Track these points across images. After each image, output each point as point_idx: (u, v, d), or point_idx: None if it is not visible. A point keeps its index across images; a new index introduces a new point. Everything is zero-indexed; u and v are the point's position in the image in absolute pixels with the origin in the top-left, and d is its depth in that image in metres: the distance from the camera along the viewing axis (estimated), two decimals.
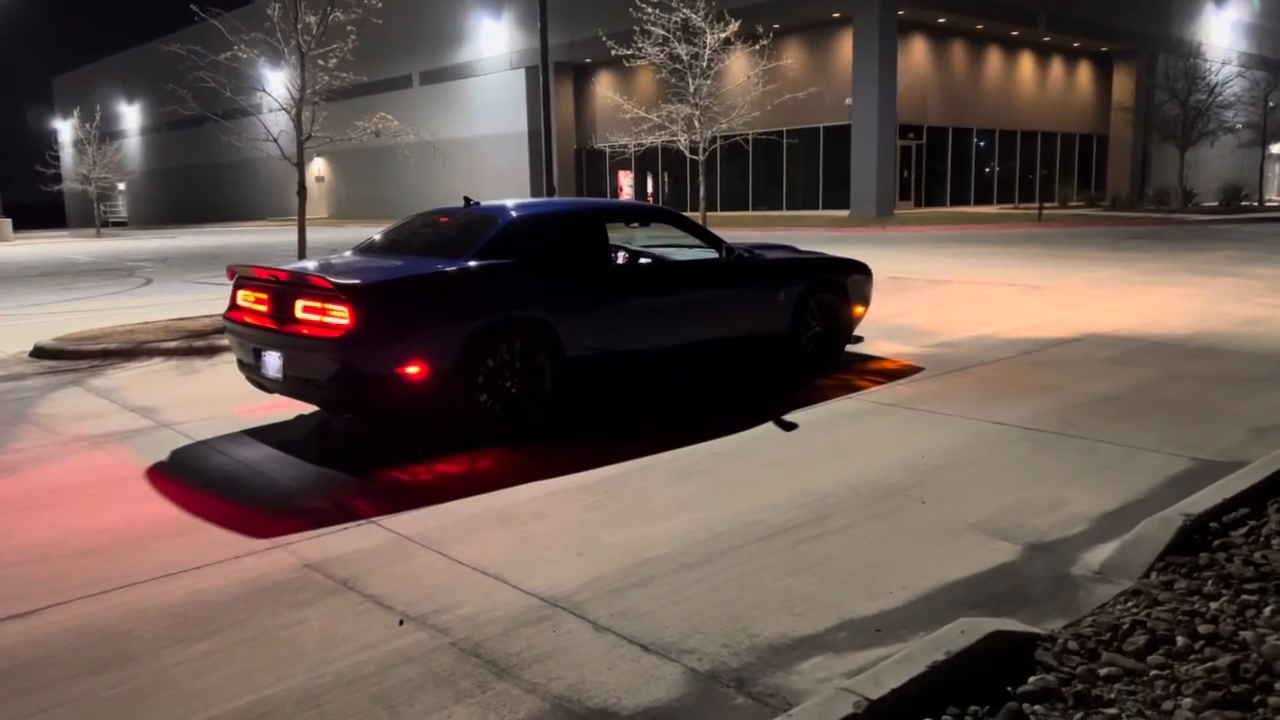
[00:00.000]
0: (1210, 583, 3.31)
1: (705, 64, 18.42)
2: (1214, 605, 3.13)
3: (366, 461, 5.24)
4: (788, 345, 7.24)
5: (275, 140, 10.74)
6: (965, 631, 2.84)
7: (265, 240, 30.20)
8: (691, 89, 18.49)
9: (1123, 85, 38.21)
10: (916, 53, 32.55)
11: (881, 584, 3.52)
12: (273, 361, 5.41)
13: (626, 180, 38.39)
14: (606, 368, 6.02)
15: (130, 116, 64.73)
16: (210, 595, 3.57)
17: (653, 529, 4.14)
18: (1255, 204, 34.14)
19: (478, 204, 6.57)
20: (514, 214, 6.08)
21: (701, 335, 6.62)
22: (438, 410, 5.24)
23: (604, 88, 33.88)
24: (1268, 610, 3.08)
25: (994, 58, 35.33)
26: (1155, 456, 5.00)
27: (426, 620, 3.31)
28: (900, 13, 29.77)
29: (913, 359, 7.82)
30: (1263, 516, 3.84)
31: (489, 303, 5.40)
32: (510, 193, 34.25)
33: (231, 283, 5.96)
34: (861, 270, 7.92)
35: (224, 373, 7.55)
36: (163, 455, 5.46)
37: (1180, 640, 2.90)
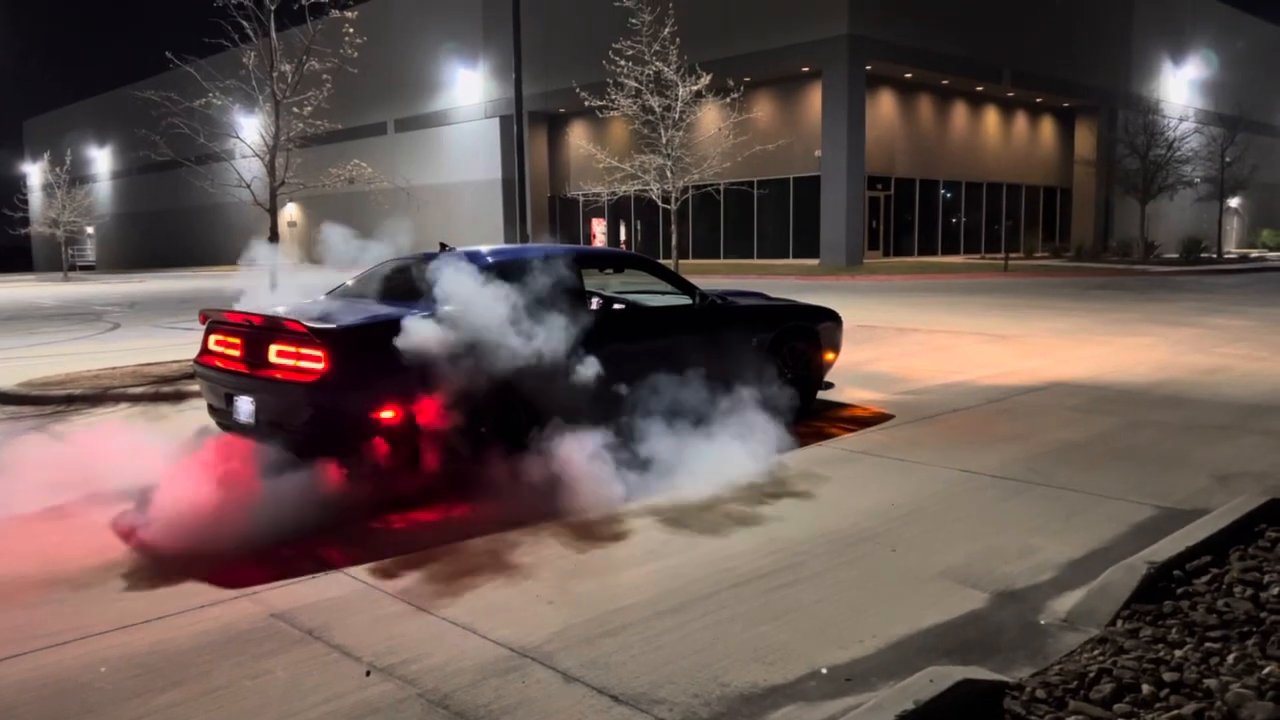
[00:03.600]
0: (1175, 630, 3.34)
1: (677, 116, 18.69)
2: (1178, 653, 3.17)
3: (336, 509, 5.19)
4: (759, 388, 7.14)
5: (248, 186, 10.75)
6: (934, 680, 2.85)
7: (236, 285, 30.03)
8: (664, 140, 18.73)
9: (1085, 139, 39.13)
10: (884, 106, 33.22)
11: (852, 632, 3.53)
12: (245, 406, 5.36)
13: (600, 228, 38.66)
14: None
15: (101, 160, 64.47)
16: (174, 645, 3.51)
17: (624, 577, 4.12)
18: (1214, 256, 34.92)
19: (452, 249, 6.51)
20: (489, 259, 6.05)
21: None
22: (408, 456, 5.17)
23: (578, 137, 34.23)
24: (1231, 658, 3.12)
25: (960, 112, 36.12)
26: (1120, 504, 5.06)
27: (394, 671, 3.27)
28: (868, 67, 30.42)
29: (883, 406, 7.89)
30: (1225, 564, 3.89)
31: None
32: (484, 239, 34.36)
33: (203, 327, 5.91)
34: (832, 317, 7.99)
35: (192, 419, 7.48)
36: (127, 503, 5.38)
37: (1146, 688, 2.93)
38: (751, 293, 8.30)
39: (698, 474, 5.53)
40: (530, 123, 37.12)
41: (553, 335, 5.68)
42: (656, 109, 18.61)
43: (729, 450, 5.77)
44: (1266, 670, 3.00)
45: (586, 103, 20.70)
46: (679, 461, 5.58)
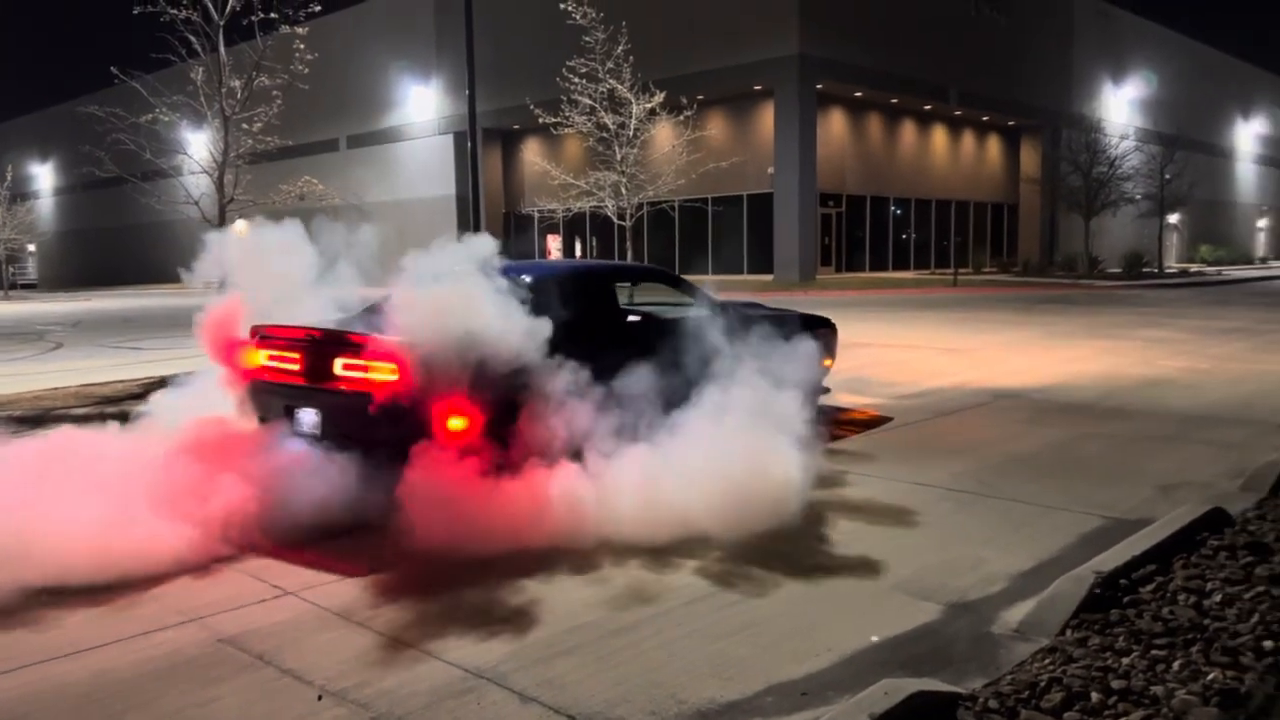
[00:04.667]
0: (1122, 639, 3.40)
1: (631, 133, 18.77)
2: (1126, 661, 3.22)
3: (288, 533, 5.10)
4: None
5: (196, 203, 10.59)
6: (889, 693, 2.87)
7: (184, 304, 29.52)
8: (618, 157, 18.79)
9: (1030, 157, 39.96)
10: (835, 125, 33.65)
11: (808, 646, 3.54)
12: (308, 418, 5.41)
13: (555, 244, 38.62)
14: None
15: (43, 177, 63.09)
16: (117, 674, 3.42)
17: (578, 594, 4.10)
18: (1155, 270, 35.80)
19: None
20: (535, 275, 6.21)
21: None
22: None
23: (532, 154, 34.24)
24: (1176, 665, 3.18)
25: (909, 130, 36.70)
26: (1068, 515, 5.15)
27: (347, 695, 3.22)
28: (819, 86, 30.81)
29: (833, 422, 7.95)
30: (1169, 573, 3.98)
31: None
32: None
33: (243, 342, 5.84)
34: (828, 325, 8.28)
35: (141, 440, 7.31)
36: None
37: (1095, 696, 2.98)
38: (751, 303, 8.49)
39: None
40: (484, 139, 37.04)
41: (606, 345, 5.81)
42: (611, 126, 18.67)
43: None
44: (1210, 676, 3.06)
45: (541, 119, 20.70)
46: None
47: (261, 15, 10.53)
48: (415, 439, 4.96)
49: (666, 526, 4.79)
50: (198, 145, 11.77)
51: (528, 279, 6.08)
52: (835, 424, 7.81)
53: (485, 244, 5.58)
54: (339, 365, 5.29)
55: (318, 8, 11.09)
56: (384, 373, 5.06)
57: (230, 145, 10.39)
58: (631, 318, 6.81)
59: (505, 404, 5.15)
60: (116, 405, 8.81)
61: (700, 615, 3.87)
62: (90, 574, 4.26)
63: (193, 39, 10.19)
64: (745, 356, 6.72)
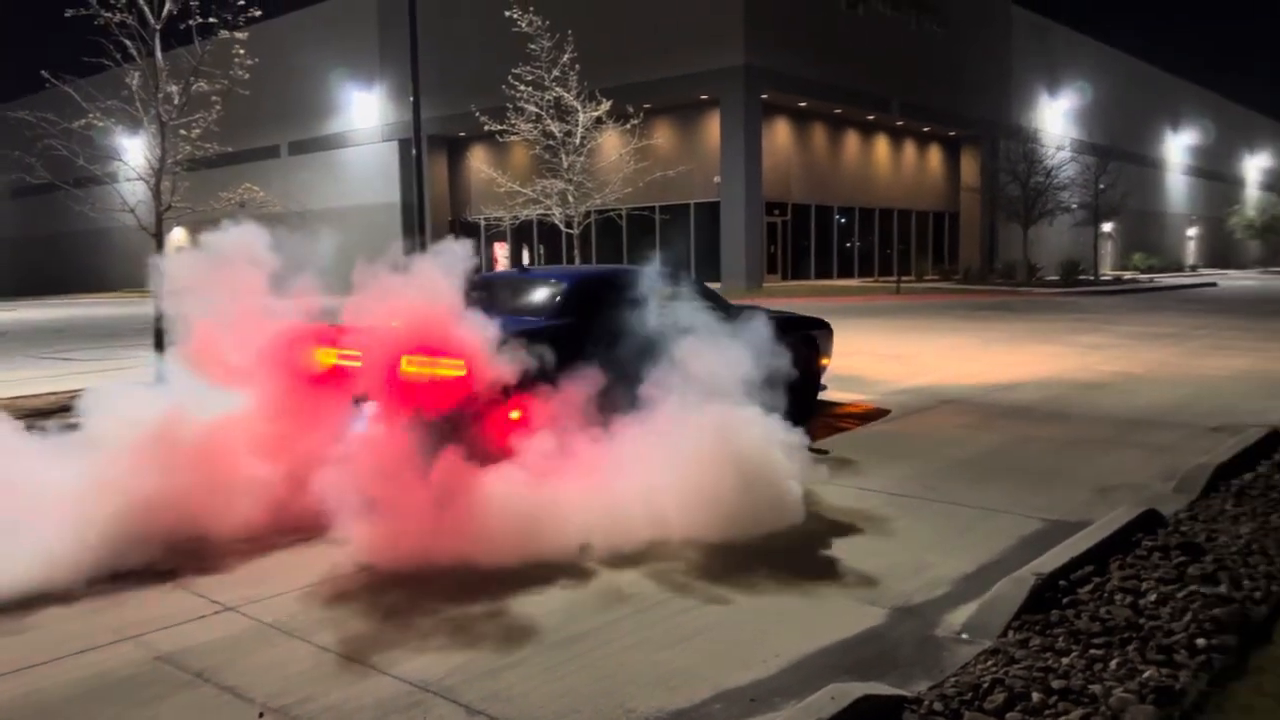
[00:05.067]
0: (1062, 639, 3.47)
1: (578, 141, 18.75)
2: (1065, 661, 3.29)
3: (228, 547, 4.99)
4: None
5: (132, 210, 10.33)
6: (835, 697, 2.89)
7: (118, 313, 28.81)
8: (565, 165, 18.76)
9: (970, 167, 40.73)
10: (780, 134, 33.99)
11: (756, 653, 3.56)
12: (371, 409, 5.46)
13: (502, 252, 38.43)
14: None
15: None
16: (45, 696, 3.31)
17: (530, 603, 4.07)
18: (1091, 277, 36.69)
19: (529, 270, 7.02)
20: (576, 279, 6.59)
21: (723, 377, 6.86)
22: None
23: (478, 161, 34.02)
24: (1114, 663, 3.25)
25: (852, 140, 37.19)
26: (1009, 518, 5.24)
27: (289, 711, 3.16)
28: (764, 96, 31.11)
29: None
30: (1106, 573, 4.07)
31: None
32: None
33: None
34: (825, 326, 8.87)
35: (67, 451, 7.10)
36: None
37: (1036, 696, 3.03)
38: (751, 306, 8.64)
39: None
40: (429, 146, 36.76)
41: (651, 342, 6.03)
42: (557, 134, 18.64)
43: None
44: (1146, 674, 3.13)
45: (486, 127, 20.59)
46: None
47: (199, 19, 10.32)
48: (479, 430, 5.22)
49: (636, 532, 4.80)
50: (134, 151, 11.48)
51: (568, 284, 6.61)
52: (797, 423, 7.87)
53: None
54: (404, 361, 5.45)
55: (258, 12, 10.91)
56: (451, 369, 5.33)
57: (167, 151, 10.15)
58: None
59: (564, 396, 5.39)
60: (47, 418, 8.55)
61: (650, 624, 3.86)
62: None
63: (128, 43, 9.94)
64: (762, 355, 6.85)
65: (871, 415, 8.55)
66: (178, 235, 46.21)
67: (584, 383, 5.44)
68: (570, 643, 3.68)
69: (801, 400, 7.95)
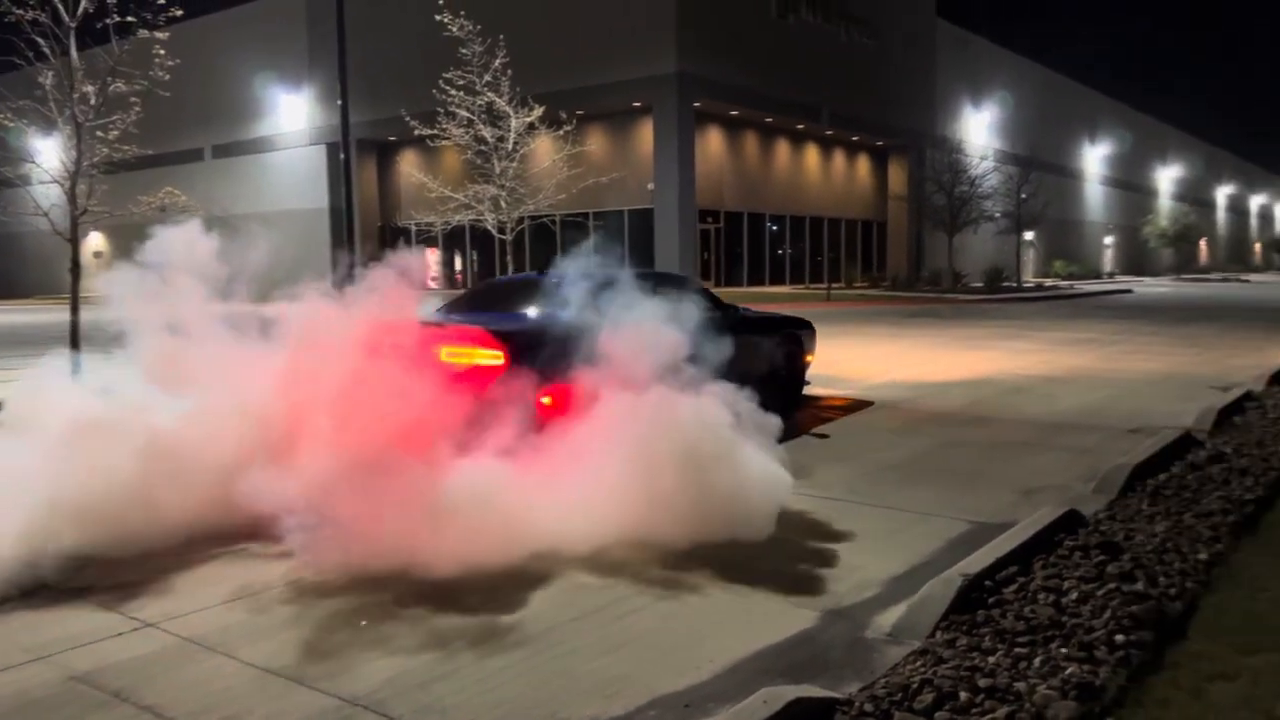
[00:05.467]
0: (988, 638, 3.54)
1: (511, 147, 18.67)
2: (991, 660, 3.36)
3: (147, 559, 4.83)
4: (767, 383, 8.17)
5: (46, 214, 9.97)
6: (768, 701, 2.91)
7: (31, 320, 27.77)
8: (497, 170, 18.65)
9: (897, 176, 41.55)
10: (713, 142, 34.26)
11: (691, 658, 3.56)
12: None
13: (434, 258, 38.03)
14: None
15: None
16: None
17: (465, 612, 4.02)
18: (1014, 284, 37.69)
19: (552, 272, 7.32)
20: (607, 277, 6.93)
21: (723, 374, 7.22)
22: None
23: (409, 166, 33.62)
24: (1037, 661, 3.33)
25: (783, 149, 37.67)
26: (937, 520, 5.34)
27: None
28: (696, 104, 31.32)
29: None
30: (1030, 573, 4.17)
31: None
32: (313, 270, 33.06)
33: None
34: (809, 326, 9.55)
35: None
36: None
37: (963, 695, 3.09)
38: (737, 306, 9.16)
39: None
40: (359, 150, 36.25)
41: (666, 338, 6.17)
42: (489, 139, 18.54)
43: None
44: (1068, 671, 3.22)
45: (417, 131, 20.38)
46: None
47: (118, 18, 10.02)
48: (514, 413, 5.42)
49: (585, 534, 4.78)
50: (48, 153, 11.09)
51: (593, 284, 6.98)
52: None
53: None
54: (444, 354, 6.03)
55: (179, 12, 10.63)
56: (490, 358, 5.92)
57: (83, 154, 9.82)
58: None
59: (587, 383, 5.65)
60: None
61: (588, 630, 3.84)
62: None
63: (41, 41, 9.61)
64: (755, 352, 8.20)
65: (803, 419, 8.65)
66: (95, 240, 44.82)
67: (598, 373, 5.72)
68: (508, 650, 3.65)
69: (790, 393, 9.00)
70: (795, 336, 9.27)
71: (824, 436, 7.91)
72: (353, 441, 4.87)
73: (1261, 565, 4.27)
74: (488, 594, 4.25)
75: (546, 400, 5.80)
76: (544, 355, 5.88)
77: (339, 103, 15.03)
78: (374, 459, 4.78)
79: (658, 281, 8.58)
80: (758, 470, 5.16)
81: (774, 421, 5.48)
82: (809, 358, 9.50)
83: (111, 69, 9.85)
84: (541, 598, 4.21)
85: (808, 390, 9.85)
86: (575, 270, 6.98)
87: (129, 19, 10.16)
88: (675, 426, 5.09)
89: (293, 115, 38.95)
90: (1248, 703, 3.03)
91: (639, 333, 6.07)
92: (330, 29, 18.70)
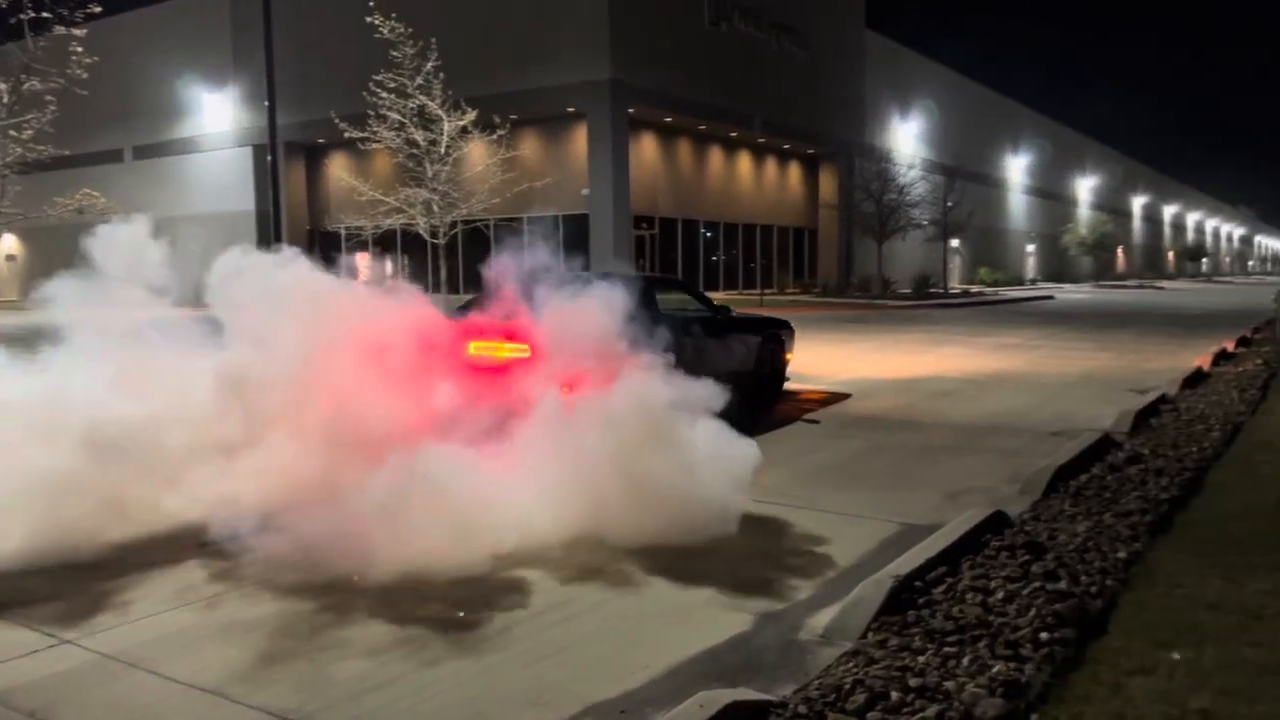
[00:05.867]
0: (918, 638, 3.61)
1: (443, 150, 18.52)
2: (921, 659, 3.42)
3: (62, 572, 4.66)
4: (753, 378, 9.48)
5: None
6: (704, 705, 2.92)
7: None
8: (429, 174, 18.49)
9: (828, 184, 42.17)
10: (647, 148, 34.37)
11: (626, 664, 3.56)
12: None
13: (364, 262, 37.45)
14: None
15: None
16: None
17: (387, 628, 3.95)
18: (941, 291, 38.53)
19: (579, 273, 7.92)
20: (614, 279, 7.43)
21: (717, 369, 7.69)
22: None
23: (338, 169, 33.12)
24: (966, 660, 3.40)
25: (716, 156, 37.96)
26: (868, 522, 5.43)
27: None
28: (630, 111, 31.40)
29: None
30: (958, 573, 4.25)
31: None
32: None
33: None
34: (789, 326, 10.43)
35: None
36: None
37: (894, 695, 3.14)
38: (723, 307, 9.88)
39: None
40: (286, 153, 35.48)
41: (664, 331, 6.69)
42: (421, 143, 18.37)
43: None
44: (995, 669, 3.29)
45: (347, 134, 20.09)
46: None
47: (33, 14, 9.70)
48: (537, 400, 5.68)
49: (528, 536, 4.76)
50: None
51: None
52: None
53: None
54: (472, 348, 6.54)
55: (98, 9, 10.34)
56: (518, 352, 6.32)
57: None
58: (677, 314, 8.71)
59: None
60: None
61: (524, 637, 3.82)
62: None
63: None
64: (744, 348, 9.13)
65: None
66: (8, 243, 43.19)
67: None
68: (444, 659, 3.60)
69: (772, 387, 9.94)
70: (778, 336, 10.13)
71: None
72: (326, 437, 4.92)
73: (1177, 563, 4.43)
74: (426, 598, 4.19)
75: (566, 390, 6.06)
76: (565, 349, 6.15)
77: (266, 104, 14.72)
78: (324, 462, 4.74)
79: (663, 285, 9.84)
80: (712, 474, 5.19)
81: (742, 442, 5.50)
82: (789, 355, 10.34)
83: (26, 66, 9.53)
84: (481, 601, 4.16)
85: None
86: (587, 272, 7.49)
87: (45, 15, 9.85)
88: (634, 428, 5.14)
89: (217, 116, 38.04)
90: (1164, 696, 3.14)
91: (647, 328, 6.61)
92: (255, 28, 18.32)
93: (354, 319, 5.62)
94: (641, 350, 6.07)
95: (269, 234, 15.65)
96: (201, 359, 5.61)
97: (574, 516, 4.97)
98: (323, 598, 4.23)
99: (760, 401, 9.40)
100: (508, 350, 6.47)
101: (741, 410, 7.00)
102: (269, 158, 14.85)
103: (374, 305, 5.91)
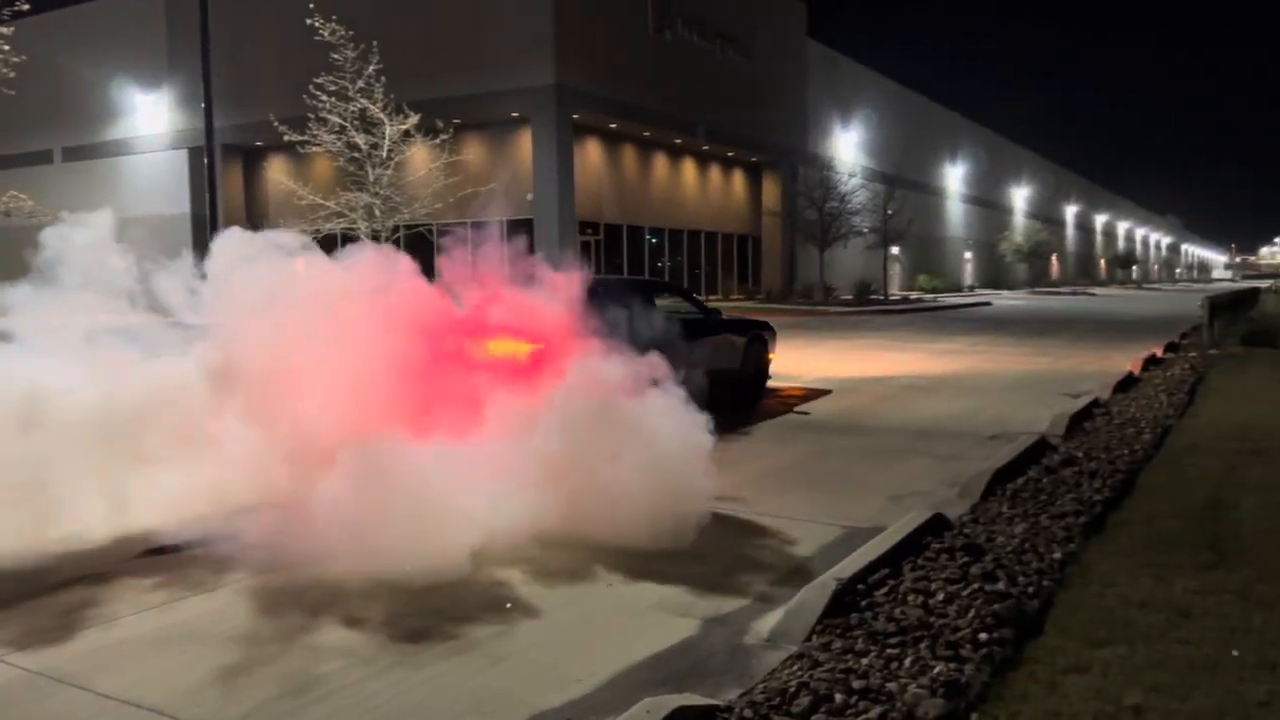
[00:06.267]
0: (861, 641, 3.65)
1: (385, 154, 18.33)
2: (864, 661, 3.46)
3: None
4: (739, 376, 10.31)
5: None
6: (650, 710, 2.92)
7: None
8: (371, 178, 18.28)
9: (771, 192, 42.56)
10: (592, 154, 34.37)
11: (572, 671, 3.54)
12: None
13: (303, 268, 36.84)
14: None
15: None
16: None
17: (333, 634, 3.89)
18: (882, 297, 39.12)
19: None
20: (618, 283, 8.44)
21: (709, 366, 8.75)
22: None
23: (277, 172, 32.56)
24: (908, 661, 3.45)
25: (661, 163, 38.10)
26: (813, 526, 5.48)
27: None
28: (575, 116, 31.39)
29: None
30: (900, 576, 4.31)
31: None
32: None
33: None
34: (770, 328, 11.35)
35: None
36: None
37: (838, 697, 3.17)
38: (708, 309, 10.77)
39: None
40: (223, 155, 34.81)
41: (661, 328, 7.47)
42: (363, 146, 18.16)
43: None
44: (937, 670, 3.34)
45: (286, 137, 19.78)
46: None
47: None
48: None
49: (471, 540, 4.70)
50: None
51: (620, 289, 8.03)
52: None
53: None
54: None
55: (25, 6, 10.04)
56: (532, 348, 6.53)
57: None
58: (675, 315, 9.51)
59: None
60: None
61: (463, 647, 3.77)
62: None
63: None
64: (734, 346, 10.09)
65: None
66: None
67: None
68: (382, 672, 3.55)
69: (757, 383, 10.85)
70: (761, 336, 11.02)
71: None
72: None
73: (1110, 563, 4.54)
74: (371, 601, 4.12)
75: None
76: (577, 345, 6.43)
77: (203, 105, 14.43)
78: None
79: (662, 289, 10.77)
80: (674, 480, 5.20)
81: (705, 437, 5.54)
82: (771, 355, 11.24)
83: None
84: (429, 608, 4.11)
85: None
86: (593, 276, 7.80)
87: None
88: (599, 428, 5.22)
89: (151, 118, 37.18)
90: (1099, 694, 3.21)
91: (652, 327, 7.18)
92: (192, 28, 17.96)
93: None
94: (643, 349, 6.33)
95: (205, 238, 15.31)
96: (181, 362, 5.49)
97: (527, 518, 4.96)
98: (271, 605, 4.14)
99: (746, 396, 10.36)
100: (524, 348, 6.70)
101: (728, 405, 8.33)
102: (206, 160, 14.54)
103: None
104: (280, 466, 4.98)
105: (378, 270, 6.10)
